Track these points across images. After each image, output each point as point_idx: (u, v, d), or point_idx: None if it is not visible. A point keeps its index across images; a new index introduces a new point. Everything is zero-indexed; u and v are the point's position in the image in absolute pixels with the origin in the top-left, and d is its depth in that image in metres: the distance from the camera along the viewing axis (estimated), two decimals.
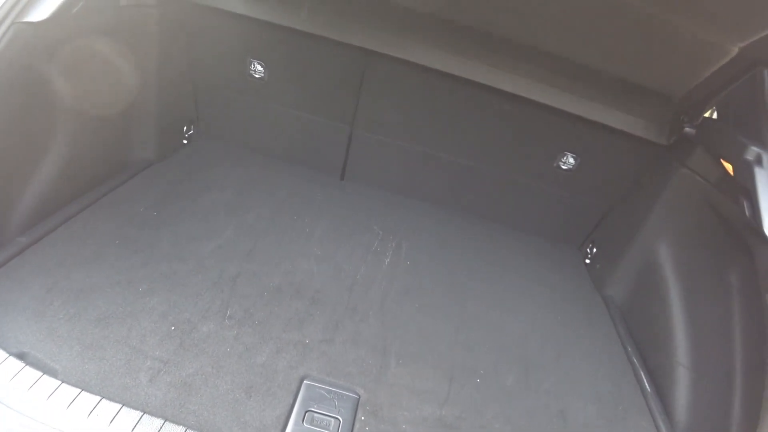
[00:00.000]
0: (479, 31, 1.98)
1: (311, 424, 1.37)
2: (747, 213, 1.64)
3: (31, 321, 1.42)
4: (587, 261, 2.63)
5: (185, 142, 2.55)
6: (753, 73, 1.71)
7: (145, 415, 1.24)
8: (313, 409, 1.41)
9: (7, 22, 1.46)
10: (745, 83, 1.76)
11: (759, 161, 1.64)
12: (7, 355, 1.26)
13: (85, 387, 1.26)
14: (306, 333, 1.65)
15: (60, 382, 1.24)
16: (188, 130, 2.55)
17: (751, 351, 1.62)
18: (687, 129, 2.08)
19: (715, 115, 2.14)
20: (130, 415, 1.22)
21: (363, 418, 1.44)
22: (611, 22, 1.74)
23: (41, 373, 1.24)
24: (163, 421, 1.23)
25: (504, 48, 2.05)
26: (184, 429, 1.23)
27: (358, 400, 1.49)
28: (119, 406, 1.23)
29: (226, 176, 2.38)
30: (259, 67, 2.37)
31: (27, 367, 1.24)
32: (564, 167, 2.45)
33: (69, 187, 1.88)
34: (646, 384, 1.90)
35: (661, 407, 1.80)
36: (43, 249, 1.67)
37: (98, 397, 1.24)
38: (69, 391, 1.23)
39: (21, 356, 1.31)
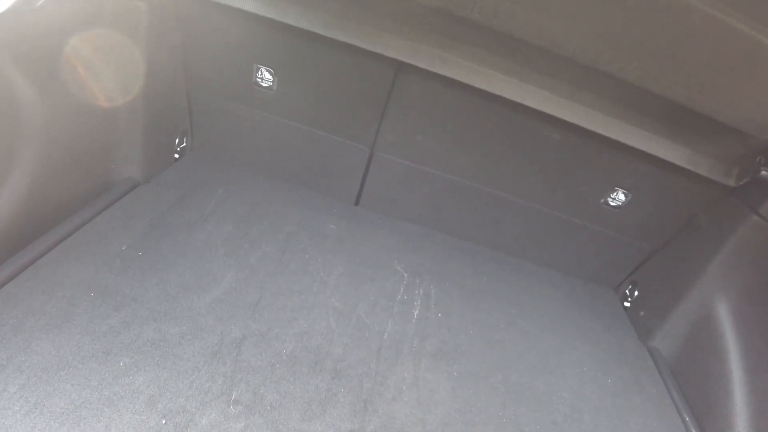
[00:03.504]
0: (534, 48, 1.65)
1: None
2: None
3: None
4: (626, 304, 2.36)
5: (177, 156, 2.19)
6: None
7: None
8: None
9: None
10: None
11: None
12: None
13: None
14: (329, 420, 1.33)
15: None
16: (180, 143, 2.19)
17: None
18: (763, 172, 1.80)
19: None
20: None
21: None
22: (705, 48, 1.44)
23: None
24: None
25: (563, 70, 1.74)
26: None
27: None
28: None
29: (226, 203, 2.02)
30: (267, 75, 2.02)
31: None
32: (612, 203, 2.16)
33: (35, 219, 1.52)
34: None
35: None
36: None
37: None
38: None
39: None
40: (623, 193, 2.14)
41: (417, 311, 1.83)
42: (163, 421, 1.19)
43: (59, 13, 1.38)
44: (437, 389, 1.55)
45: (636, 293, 2.34)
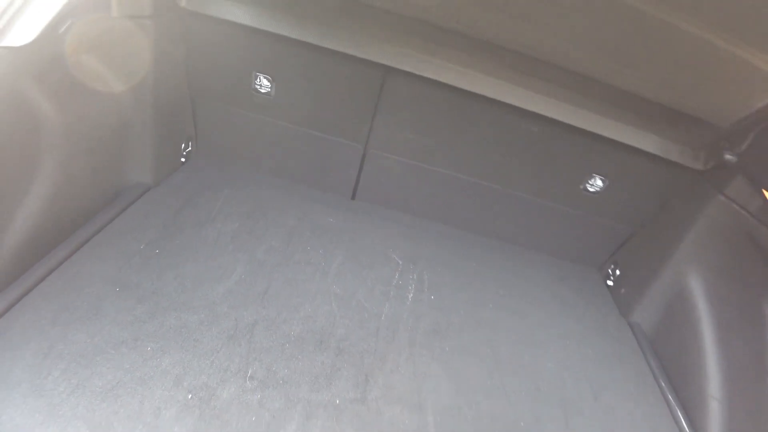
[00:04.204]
0: (511, 51, 1.82)
1: None
2: None
3: (28, 397, 1.24)
4: (609, 282, 2.53)
5: (183, 160, 2.34)
6: None
7: None
8: None
9: None
10: None
11: None
12: None
13: None
14: (335, 391, 1.50)
15: None
16: (186, 147, 2.34)
17: None
18: (727, 156, 1.96)
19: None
20: None
21: None
22: (664, 49, 1.60)
23: None
24: None
25: (537, 69, 1.89)
26: None
27: None
28: None
29: (231, 202, 2.18)
30: (266, 82, 2.17)
31: None
32: (591, 189, 2.33)
33: (59, 223, 1.67)
34: (684, 424, 1.81)
35: None
36: (35, 303, 1.48)
37: None
38: None
39: None
40: (601, 179, 2.29)
41: (411, 294, 2.00)
42: (189, 396, 1.36)
43: (78, 37, 1.52)
44: (431, 363, 1.72)
45: (617, 272, 2.51)
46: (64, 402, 1.25)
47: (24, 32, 1.28)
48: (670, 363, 2.06)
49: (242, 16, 1.91)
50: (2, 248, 1.46)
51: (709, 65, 1.61)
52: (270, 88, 2.19)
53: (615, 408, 1.81)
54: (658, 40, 1.57)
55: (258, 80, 2.17)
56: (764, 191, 1.83)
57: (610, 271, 2.55)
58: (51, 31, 1.35)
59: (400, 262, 2.15)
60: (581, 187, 2.33)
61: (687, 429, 1.80)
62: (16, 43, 1.26)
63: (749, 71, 1.56)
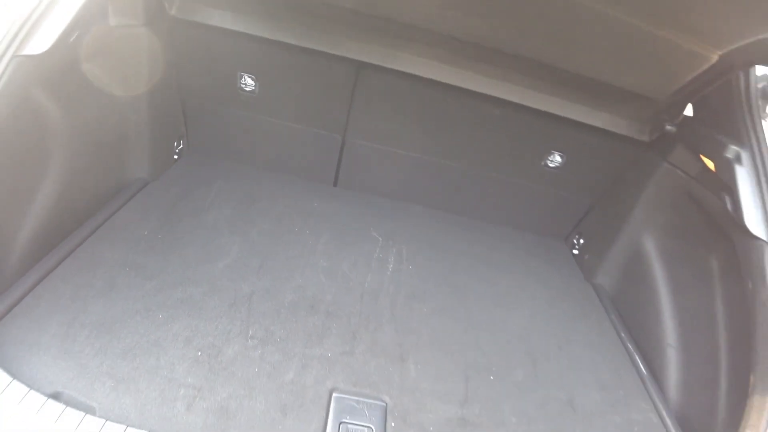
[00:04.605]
0: (470, 42, 2.05)
1: None
2: (729, 207, 1.78)
3: (58, 359, 1.42)
4: (575, 252, 2.76)
5: (176, 157, 2.53)
6: (730, 76, 1.84)
7: None
8: (346, 420, 1.48)
9: (8, 55, 1.44)
10: (723, 86, 1.89)
11: (738, 159, 1.78)
12: (45, 397, 1.26)
13: (127, 423, 1.28)
14: (327, 347, 1.71)
15: (104, 420, 1.26)
16: (178, 145, 2.53)
17: (734, 329, 1.77)
18: (668, 127, 2.20)
19: (689, 112, 2.27)
20: None
21: (393, 424, 1.51)
22: (598, 34, 1.84)
23: (83, 413, 1.26)
24: None
25: (494, 57, 2.11)
26: None
27: (386, 407, 1.56)
28: None
29: (223, 192, 2.38)
30: (250, 81, 2.37)
31: (68, 408, 1.26)
32: (551, 165, 2.56)
33: (69, 215, 1.85)
34: (642, 368, 2.04)
35: (656, 388, 1.95)
36: (54, 284, 1.66)
37: None
38: (114, 429, 1.25)
39: (56, 396, 1.32)
40: (559, 155, 2.53)
41: (391, 266, 2.21)
42: (199, 353, 1.55)
43: (83, 45, 1.70)
44: (410, 322, 1.93)
45: (582, 241, 2.74)
46: (90, 362, 1.44)
47: (41, 42, 1.46)
48: (630, 317, 2.29)
49: (227, 21, 2.12)
50: (20, 238, 1.64)
51: (639, 46, 1.85)
52: (254, 86, 2.39)
53: (579, 356, 2.03)
54: (594, 27, 1.80)
55: (243, 80, 2.37)
56: (702, 156, 2.06)
57: (575, 241, 2.78)
58: (63, 41, 1.53)
59: (380, 239, 2.37)
60: (542, 163, 2.56)
61: (646, 373, 2.02)
62: (35, 52, 1.44)
63: (672, 49, 1.80)
